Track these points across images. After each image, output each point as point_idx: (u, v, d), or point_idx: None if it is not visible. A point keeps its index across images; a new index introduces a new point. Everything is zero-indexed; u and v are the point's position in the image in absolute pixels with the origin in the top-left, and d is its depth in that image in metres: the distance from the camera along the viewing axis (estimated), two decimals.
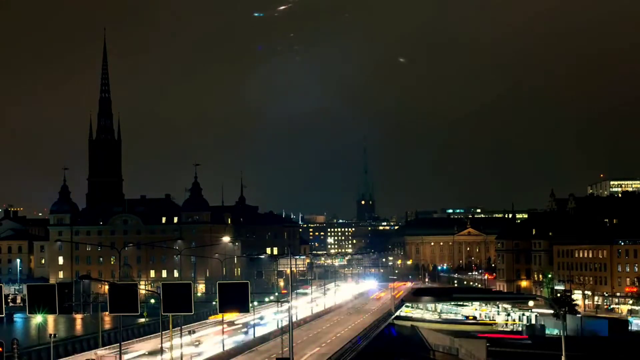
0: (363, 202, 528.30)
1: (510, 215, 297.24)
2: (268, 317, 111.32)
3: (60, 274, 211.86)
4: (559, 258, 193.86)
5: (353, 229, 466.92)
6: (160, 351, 68.80)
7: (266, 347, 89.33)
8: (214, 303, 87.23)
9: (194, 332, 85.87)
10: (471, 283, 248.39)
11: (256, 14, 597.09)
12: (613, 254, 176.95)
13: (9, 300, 57.48)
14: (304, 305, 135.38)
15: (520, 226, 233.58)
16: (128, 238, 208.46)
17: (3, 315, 58.89)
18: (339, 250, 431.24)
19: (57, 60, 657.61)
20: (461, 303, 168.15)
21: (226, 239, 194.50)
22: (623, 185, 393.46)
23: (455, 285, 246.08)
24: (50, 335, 68.80)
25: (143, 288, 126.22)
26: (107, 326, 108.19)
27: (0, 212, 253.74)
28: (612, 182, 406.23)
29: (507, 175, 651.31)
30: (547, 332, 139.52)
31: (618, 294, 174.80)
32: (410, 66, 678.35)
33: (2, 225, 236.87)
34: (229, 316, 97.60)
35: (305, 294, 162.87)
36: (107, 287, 58.35)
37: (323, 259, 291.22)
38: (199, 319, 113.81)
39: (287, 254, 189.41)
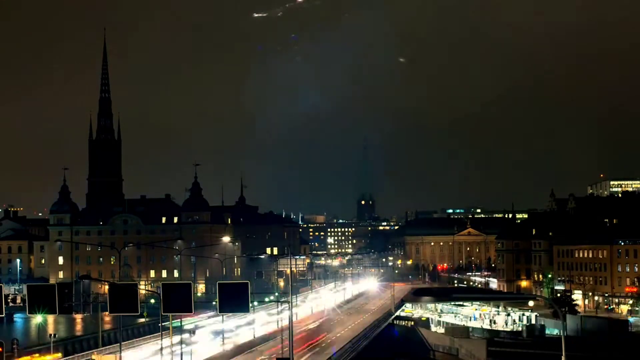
0: (363, 202, 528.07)
1: (510, 215, 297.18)
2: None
3: (60, 274, 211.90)
4: (559, 258, 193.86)
5: (353, 229, 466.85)
6: (160, 351, 68.81)
7: None
8: (214, 303, 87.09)
9: (193, 332, 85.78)
10: (471, 283, 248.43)
11: (256, 14, 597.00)
12: (613, 254, 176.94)
13: (9, 300, 57.55)
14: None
15: (520, 226, 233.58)
16: (128, 238, 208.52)
17: (3, 315, 58.93)
18: (339, 250, 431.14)
19: (57, 60, 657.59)
20: (461, 303, 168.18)
21: (226, 239, 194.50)
22: (623, 185, 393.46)
23: (455, 285, 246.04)
24: (50, 335, 68.77)
25: (143, 288, 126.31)
26: (107, 326, 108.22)
27: (0, 212, 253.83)
28: (612, 182, 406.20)
29: (507, 175, 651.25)
30: (547, 332, 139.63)
31: (618, 294, 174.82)
32: (411, 66, 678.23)
33: (2, 225, 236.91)
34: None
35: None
36: (107, 287, 58.40)
37: (323, 259, 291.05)
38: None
39: (287, 254, 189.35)
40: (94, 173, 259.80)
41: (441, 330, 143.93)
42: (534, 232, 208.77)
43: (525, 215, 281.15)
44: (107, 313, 61.78)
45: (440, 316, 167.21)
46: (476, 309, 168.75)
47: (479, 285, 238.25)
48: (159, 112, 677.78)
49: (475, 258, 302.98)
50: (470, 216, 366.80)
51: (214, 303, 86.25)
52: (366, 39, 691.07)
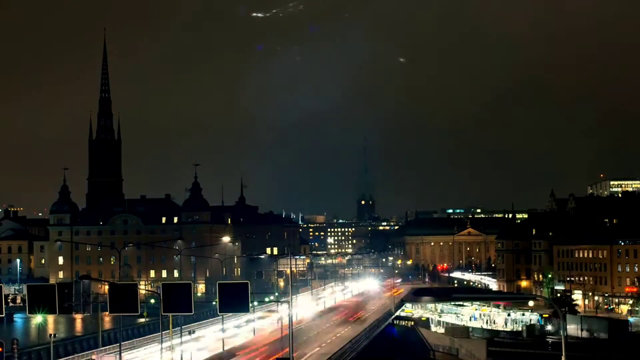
0: (363, 202, 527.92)
1: (510, 215, 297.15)
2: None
3: (60, 274, 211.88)
4: (559, 258, 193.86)
5: (353, 229, 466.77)
6: (160, 352, 68.83)
7: None
8: (214, 303, 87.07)
9: (193, 332, 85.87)
10: (471, 283, 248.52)
11: (256, 14, 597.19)
12: (613, 254, 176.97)
13: (9, 300, 57.56)
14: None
15: (520, 226, 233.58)
16: (128, 238, 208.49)
17: (3, 315, 58.91)
18: (339, 250, 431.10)
19: (57, 60, 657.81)
20: (461, 303, 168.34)
21: (226, 239, 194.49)
22: (623, 185, 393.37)
23: (455, 285, 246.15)
24: (50, 335, 68.73)
25: (143, 288, 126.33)
26: (107, 326, 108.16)
27: (0, 212, 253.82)
28: (612, 182, 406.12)
29: (507, 175, 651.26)
30: (547, 332, 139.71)
31: (618, 294, 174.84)
32: (410, 66, 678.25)
33: (2, 225, 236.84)
34: None
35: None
36: (107, 287, 58.37)
37: (323, 259, 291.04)
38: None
39: (287, 254, 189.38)
40: (94, 173, 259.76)
41: (441, 330, 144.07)
42: (534, 232, 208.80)
43: (525, 215, 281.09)
44: (107, 313, 61.75)
45: (440, 316, 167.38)
46: (476, 309, 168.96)
47: (479, 286, 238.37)
48: (159, 112, 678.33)
49: (475, 258, 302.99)
50: (470, 216, 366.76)
51: (214, 303, 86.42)
52: (366, 39, 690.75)
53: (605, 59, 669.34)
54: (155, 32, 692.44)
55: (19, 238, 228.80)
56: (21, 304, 58.36)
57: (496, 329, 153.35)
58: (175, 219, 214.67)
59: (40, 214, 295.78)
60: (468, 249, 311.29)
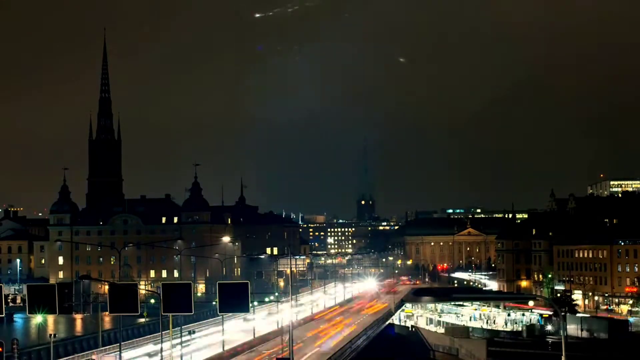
0: (363, 202, 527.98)
1: (510, 215, 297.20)
2: None
3: (60, 274, 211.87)
4: (559, 258, 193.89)
5: (353, 229, 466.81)
6: (160, 352, 68.78)
7: None
8: (214, 303, 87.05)
9: (194, 332, 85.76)
10: (471, 283, 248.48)
11: (256, 14, 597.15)
12: (613, 254, 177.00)
13: (9, 300, 57.61)
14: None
15: (520, 226, 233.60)
16: (128, 238, 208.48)
17: (3, 315, 58.91)
18: (339, 250, 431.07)
19: (57, 60, 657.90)
20: (461, 303, 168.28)
21: (226, 239, 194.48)
22: (623, 185, 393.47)
23: (455, 285, 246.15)
24: (50, 335, 68.69)
25: (143, 288, 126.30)
26: (107, 326, 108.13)
27: (0, 212, 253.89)
28: (612, 182, 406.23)
29: (507, 175, 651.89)
30: (547, 332, 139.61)
31: (618, 294, 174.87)
32: (411, 66, 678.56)
33: (2, 225, 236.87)
34: None
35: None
36: (107, 287, 58.33)
37: (323, 259, 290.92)
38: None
39: (287, 254, 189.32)
40: (94, 173, 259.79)
41: (441, 330, 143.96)
42: (534, 232, 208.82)
43: (525, 215, 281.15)
44: (107, 313, 61.67)
45: (440, 316, 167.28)
46: (476, 309, 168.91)
47: (479, 286, 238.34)
48: (159, 112, 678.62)
49: (475, 258, 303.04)
50: (470, 216, 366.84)
51: (214, 303, 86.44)
52: (366, 39, 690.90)
53: (605, 59, 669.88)
54: (155, 32, 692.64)
55: (19, 238, 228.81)
56: (21, 304, 58.44)
57: (496, 329, 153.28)
58: (175, 219, 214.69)
59: (40, 214, 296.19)
60: (468, 249, 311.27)
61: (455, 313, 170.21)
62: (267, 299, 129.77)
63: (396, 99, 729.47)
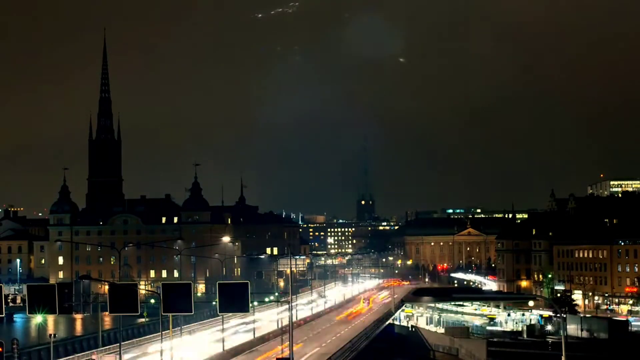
0: (363, 202, 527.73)
1: (510, 215, 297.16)
2: None
3: (60, 274, 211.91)
4: (559, 258, 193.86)
5: (353, 229, 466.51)
6: (160, 353, 68.67)
7: None
8: (214, 303, 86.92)
9: (193, 332, 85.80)
10: (471, 283, 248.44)
11: (256, 15, 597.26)
12: (613, 254, 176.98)
13: (9, 300, 57.44)
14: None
15: (520, 226, 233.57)
16: (128, 238, 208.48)
17: (3, 315, 58.84)
18: (339, 250, 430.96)
19: (57, 60, 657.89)
20: (461, 303, 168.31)
21: (226, 239, 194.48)
22: (623, 185, 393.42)
23: (455, 285, 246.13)
24: (50, 335, 68.65)
25: (143, 288, 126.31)
26: (107, 326, 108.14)
27: (0, 212, 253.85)
28: (612, 182, 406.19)
29: (507, 175, 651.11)
30: (547, 332, 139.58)
31: (618, 294, 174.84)
32: (411, 66, 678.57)
33: (2, 225, 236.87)
34: None
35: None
36: (107, 287, 58.29)
37: (323, 259, 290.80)
38: None
39: (287, 254, 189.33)
40: (94, 173, 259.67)
41: (441, 330, 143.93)
42: (534, 232, 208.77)
43: (525, 215, 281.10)
44: (107, 313, 61.58)
45: (440, 316, 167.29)
46: (476, 309, 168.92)
47: (479, 286, 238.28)
48: (159, 112, 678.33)
49: (475, 258, 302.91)
50: (470, 216, 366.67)
51: (214, 303, 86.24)
52: (366, 39, 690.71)
53: (606, 57, 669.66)
54: (156, 32, 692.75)
55: (19, 238, 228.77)
56: (21, 304, 58.26)
57: (496, 329, 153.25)
58: (175, 219, 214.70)
59: (40, 214, 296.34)
60: (468, 249, 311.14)
61: (456, 313, 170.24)
62: (267, 299, 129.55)
63: (396, 99, 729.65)
